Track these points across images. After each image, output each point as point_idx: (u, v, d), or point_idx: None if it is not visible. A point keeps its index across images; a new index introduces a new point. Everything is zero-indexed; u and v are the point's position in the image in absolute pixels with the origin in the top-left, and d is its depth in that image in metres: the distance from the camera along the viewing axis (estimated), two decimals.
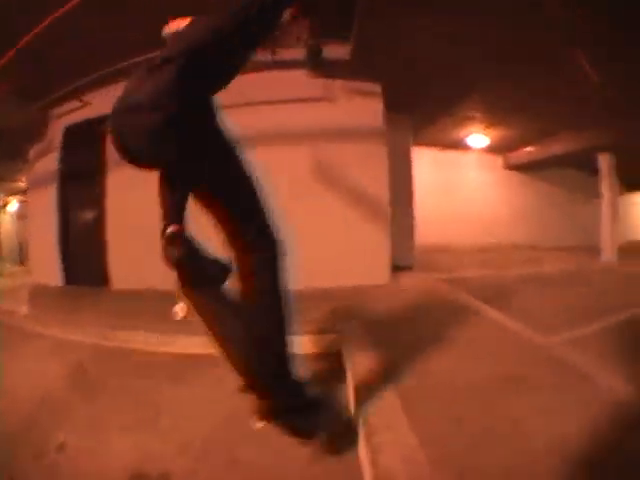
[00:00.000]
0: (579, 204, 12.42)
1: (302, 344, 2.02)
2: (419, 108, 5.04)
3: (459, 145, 8.46)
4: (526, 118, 6.50)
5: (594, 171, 10.97)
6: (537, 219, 10.90)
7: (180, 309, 1.07)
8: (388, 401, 1.31)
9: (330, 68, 3.55)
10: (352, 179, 3.74)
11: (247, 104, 3.40)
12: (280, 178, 3.29)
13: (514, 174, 10.48)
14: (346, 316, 2.50)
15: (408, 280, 4.06)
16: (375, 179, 3.85)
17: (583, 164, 11.01)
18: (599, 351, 1.83)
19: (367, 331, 2.13)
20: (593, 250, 8.28)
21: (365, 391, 1.39)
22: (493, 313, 2.54)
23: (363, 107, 3.82)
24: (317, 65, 3.44)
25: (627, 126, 6.37)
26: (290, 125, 3.63)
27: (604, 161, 8.27)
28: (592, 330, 2.16)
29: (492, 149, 9.17)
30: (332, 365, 1.90)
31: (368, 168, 3.79)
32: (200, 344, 1.83)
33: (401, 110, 4.57)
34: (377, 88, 3.90)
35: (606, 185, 8.34)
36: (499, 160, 10.25)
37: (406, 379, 1.49)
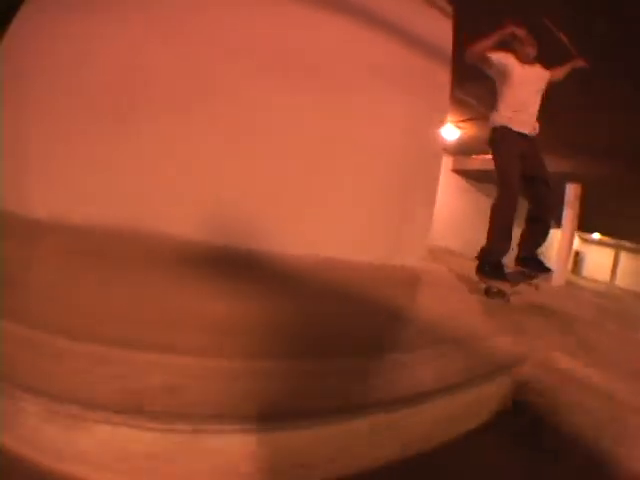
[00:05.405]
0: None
1: None
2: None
3: None
4: None
5: None
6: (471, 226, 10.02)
7: None
8: None
9: None
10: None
11: None
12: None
13: (460, 179, 10.44)
14: None
15: None
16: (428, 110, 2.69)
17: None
18: None
19: None
20: None
21: None
22: None
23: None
24: None
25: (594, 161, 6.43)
26: None
27: (572, 191, 8.41)
28: None
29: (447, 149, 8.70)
30: None
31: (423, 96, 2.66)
32: None
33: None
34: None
35: (569, 215, 8.49)
36: (449, 162, 10.10)
37: None
